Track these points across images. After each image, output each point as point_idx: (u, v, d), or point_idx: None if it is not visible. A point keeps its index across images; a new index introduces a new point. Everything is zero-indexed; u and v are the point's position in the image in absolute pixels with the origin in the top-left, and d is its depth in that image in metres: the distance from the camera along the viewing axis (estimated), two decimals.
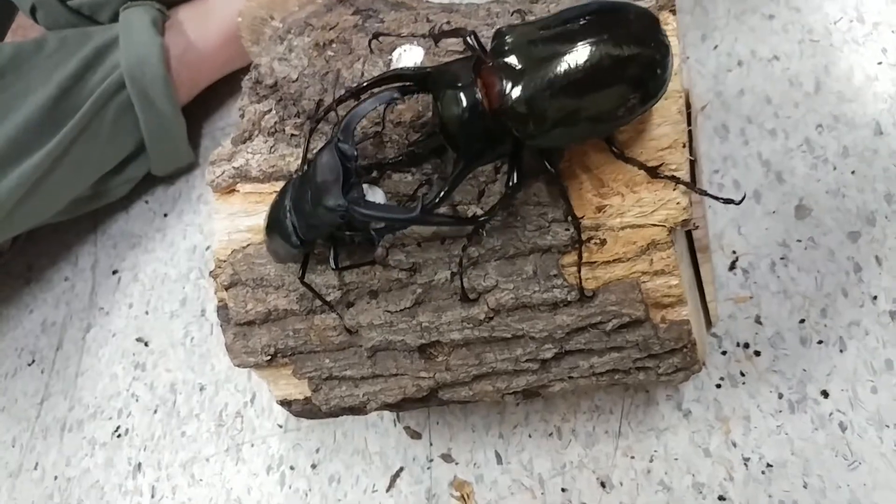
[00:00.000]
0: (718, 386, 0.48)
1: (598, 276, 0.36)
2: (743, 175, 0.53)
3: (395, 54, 0.39)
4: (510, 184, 0.33)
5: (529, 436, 0.51)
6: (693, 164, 0.39)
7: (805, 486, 0.44)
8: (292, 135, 0.40)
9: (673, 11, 0.36)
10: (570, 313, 0.36)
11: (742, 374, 0.48)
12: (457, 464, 0.52)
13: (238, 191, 0.42)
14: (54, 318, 0.74)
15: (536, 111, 0.31)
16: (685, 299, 0.36)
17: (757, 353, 0.48)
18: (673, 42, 0.33)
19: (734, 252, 0.51)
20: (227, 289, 0.42)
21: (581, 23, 0.32)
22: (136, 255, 0.73)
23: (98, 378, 0.68)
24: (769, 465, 0.45)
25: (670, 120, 0.34)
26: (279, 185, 0.40)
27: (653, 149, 0.34)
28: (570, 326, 0.37)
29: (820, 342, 0.47)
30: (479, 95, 0.32)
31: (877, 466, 0.43)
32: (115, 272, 0.73)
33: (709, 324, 0.47)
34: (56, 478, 0.65)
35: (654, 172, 0.33)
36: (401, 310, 0.38)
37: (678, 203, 0.34)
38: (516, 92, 0.31)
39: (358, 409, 0.43)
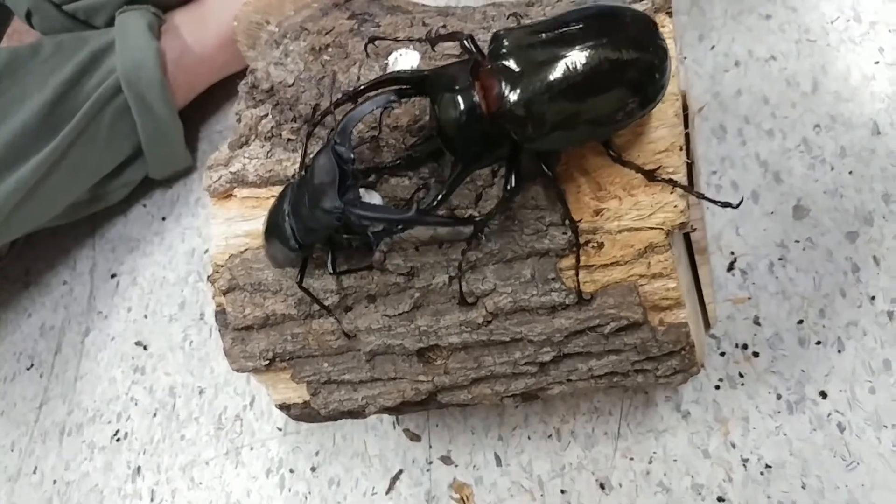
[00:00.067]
0: (717, 387, 0.48)
1: (596, 280, 0.36)
2: (741, 175, 0.53)
3: (392, 58, 0.38)
4: (508, 187, 0.33)
5: (529, 437, 0.51)
6: (691, 166, 0.39)
7: (803, 487, 0.44)
8: (289, 139, 0.40)
9: (669, 14, 0.36)
10: (569, 317, 0.36)
11: (741, 375, 0.48)
12: (456, 466, 0.52)
13: (235, 196, 0.42)
14: (53, 322, 0.74)
15: (535, 114, 0.31)
16: (683, 302, 0.36)
17: (755, 354, 0.48)
18: (669, 45, 0.33)
19: (732, 253, 0.51)
20: (224, 294, 0.42)
21: (580, 26, 0.32)
22: (135, 259, 0.73)
23: (97, 382, 0.68)
24: (768, 466, 0.45)
25: (667, 123, 0.34)
26: (276, 190, 0.40)
27: (650, 152, 0.34)
28: (568, 330, 0.37)
29: (818, 343, 0.47)
30: (476, 98, 0.32)
31: (875, 467, 0.43)
32: (113, 276, 0.73)
33: (707, 325, 0.47)
34: (55, 482, 0.65)
35: (651, 176, 0.33)
36: (399, 314, 0.38)
37: (675, 206, 0.34)
38: (515, 95, 0.31)
39: (357, 413, 0.43)
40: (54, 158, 0.64)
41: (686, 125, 0.37)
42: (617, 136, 0.35)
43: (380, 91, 0.34)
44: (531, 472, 0.50)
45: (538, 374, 0.39)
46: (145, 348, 0.68)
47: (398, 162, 0.37)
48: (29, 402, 0.70)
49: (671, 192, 0.34)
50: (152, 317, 0.69)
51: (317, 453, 0.57)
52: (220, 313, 0.43)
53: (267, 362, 0.42)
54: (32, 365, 0.72)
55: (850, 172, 0.50)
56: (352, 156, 0.34)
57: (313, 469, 0.56)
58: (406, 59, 0.38)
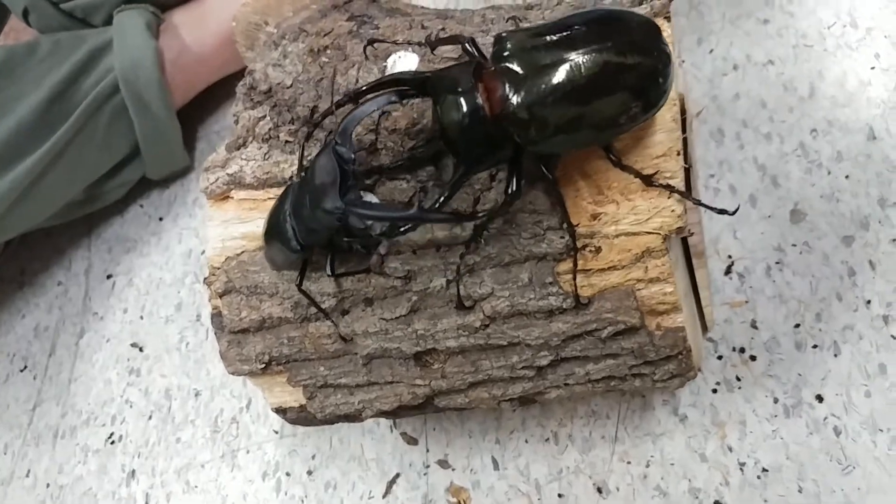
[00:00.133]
0: (714, 391, 0.48)
1: (594, 284, 0.36)
2: (738, 179, 0.53)
3: (390, 61, 0.38)
4: (509, 191, 0.33)
5: (526, 441, 0.51)
6: (688, 170, 0.39)
7: (800, 491, 0.44)
8: (286, 141, 0.40)
9: (668, 18, 0.36)
10: (566, 321, 0.36)
11: (738, 379, 0.48)
12: (453, 470, 0.52)
13: (232, 197, 0.42)
14: (47, 323, 0.73)
15: (538, 117, 0.31)
16: (680, 306, 0.36)
17: (752, 358, 0.48)
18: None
19: (730, 256, 0.51)
20: (221, 296, 0.42)
21: (583, 30, 0.32)
22: (131, 260, 0.72)
23: (92, 384, 0.68)
24: (764, 470, 0.45)
25: (665, 128, 0.34)
26: (273, 192, 0.40)
27: (647, 156, 0.34)
28: (565, 334, 0.37)
29: (815, 346, 0.47)
30: (480, 101, 0.31)
31: (870, 470, 0.43)
32: (109, 276, 0.73)
33: (704, 328, 0.47)
34: (48, 485, 0.64)
35: (648, 181, 0.33)
36: (396, 317, 0.38)
37: (673, 211, 0.34)
38: (518, 97, 0.31)
39: (353, 417, 0.43)
40: (50, 157, 0.64)
41: (684, 129, 0.37)
42: (616, 140, 0.35)
43: (380, 92, 0.34)
44: (528, 475, 0.50)
45: (535, 378, 0.39)
46: (141, 350, 0.67)
47: (400, 163, 0.37)
48: (22, 405, 0.70)
49: (668, 197, 0.34)
50: (148, 318, 0.68)
51: (313, 457, 0.56)
52: (217, 316, 0.43)
53: (263, 366, 0.42)
54: (26, 367, 0.72)
55: (847, 177, 0.51)
56: (352, 156, 0.34)
57: (310, 472, 0.56)
58: (404, 62, 0.38)
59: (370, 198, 0.36)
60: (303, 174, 0.38)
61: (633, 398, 0.50)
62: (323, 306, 0.39)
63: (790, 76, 0.55)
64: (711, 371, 0.49)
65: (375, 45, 0.39)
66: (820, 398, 0.46)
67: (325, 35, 0.41)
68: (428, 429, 0.54)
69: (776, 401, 0.47)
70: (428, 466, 0.53)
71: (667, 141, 0.34)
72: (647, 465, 0.48)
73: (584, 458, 0.49)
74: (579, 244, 0.35)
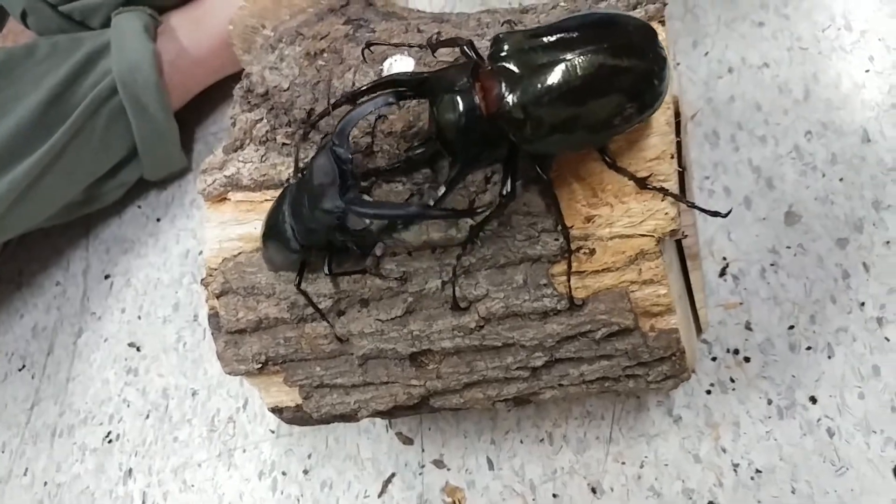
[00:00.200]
0: (708, 392, 0.48)
1: (588, 286, 0.36)
2: (733, 181, 0.54)
3: (386, 64, 0.39)
4: (504, 192, 0.34)
5: (521, 442, 0.51)
6: (683, 172, 0.39)
7: (793, 492, 0.44)
8: (283, 144, 0.40)
9: (662, 22, 0.37)
10: (560, 322, 0.37)
11: (732, 381, 0.48)
12: (448, 470, 0.52)
13: (229, 199, 0.42)
14: (45, 323, 0.73)
15: (533, 117, 0.32)
16: (674, 308, 0.36)
17: (747, 360, 0.49)
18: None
19: (724, 258, 0.52)
20: (218, 297, 0.42)
21: (580, 32, 0.32)
22: (129, 260, 0.73)
23: (89, 383, 0.68)
24: (758, 471, 0.45)
25: (659, 131, 0.35)
26: (270, 194, 0.40)
27: (641, 160, 0.35)
28: (560, 335, 0.37)
29: (809, 348, 0.47)
30: (476, 99, 0.32)
31: (864, 472, 0.43)
32: (107, 277, 0.73)
33: (699, 330, 0.48)
34: (46, 484, 0.65)
35: (642, 183, 0.34)
36: (392, 318, 0.38)
37: (666, 213, 0.34)
38: (514, 97, 0.32)
39: (349, 417, 0.43)
40: (49, 159, 0.64)
41: (678, 133, 0.37)
42: (610, 142, 0.35)
43: (377, 94, 0.34)
44: (523, 476, 0.50)
45: (530, 378, 0.39)
46: (138, 350, 0.67)
47: (394, 167, 0.37)
48: (20, 404, 0.70)
49: (662, 200, 0.34)
50: (146, 318, 0.69)
51: (309, 456, 0.57)
52: (213, 316, 0.43)
53: (259, 366, 0.42)
54: (24, 366, 0.72)
55: (841, 179, 0.51)
56: (350, 156, 0.34)
57: (306, 472, 0.56)
58: (400, 65, 0.39)
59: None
60: (299, 175, 0.38)
61: (627, 399, 0.50)
62: (319, 307, 0.39)
63: (785, 79, 0.55)
64: (706, 372, 0.49)
65: (372, 48, 0.40)
66: (814, 400, 0.46)
67: (321, 38, 0.41)
68: (423, 429, 0.54)
69: (770, 402, 0.47)
70: (423, 466, 0.53)
71: (661, 144, 0.35)
72: (642, 466, 0.48)
73: (579, 459, 0.49)
74: (573, 246, 0.35)
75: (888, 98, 0.52)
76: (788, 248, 0.50)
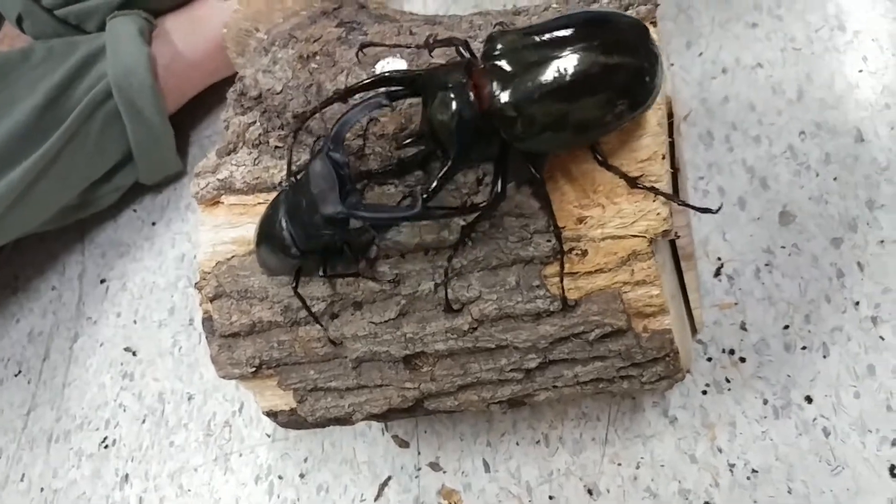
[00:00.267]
0: (704, 392, 0.48)
1: (580, 287, 0.36)
2: (727, 182, 0.54)
3: (379, 66, 0.39)
4: (495, 192, 0.34)
5: (517, 444, 0.51)
6: (676, 173, 0.39)
7: (789, 492, 0.44)
8: (276, 147, 0.40)
9: (653, 23, 0.37)
10: (553, 323, 0.37)
11: (727, 381, 0.48)
12: (445, 472, 0.52)
13: (223, 203, 0.42)
14: (41, 328, 0.73)
15: (525, 113, 0.32)
16: (667, 309, 0.36)
17: (742, 360, 0.48)
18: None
19: (719, 258, 0.52)
20: (211, 300, 0.42)
21: (572, 30, 0.32)
22: (124, 264, 0.73)
23: (85, 388, 0.68)
24: (754, 471, 0.45)
25: (650, 132, 0.35)
26: (263, 197, 0.40)
27: (633, 160, 0.35)
28: (553, 336, 0.37)
29: (804, 348, 0.47)
30: (469, 96, 0.32)
31: (860, 471, 0.43)
32: (102, 281, 0.73)
33: (694, 330, 0.48)
34: (42, 489, 0.65)
35: (633, 182, 0.34)
36: (385, 321, 0.38)
37: (658, 214, 0.34)
38: (506, 94, 0.32)
39: (344, 420, 0.43)
40: (44, 163, 0.64)
41: (671, 133, 0.37)
42: (603, 143, 0.35)
43: (370, 95, 0.34)
44: (519, 478, 0.50)
45: (524, 380, 0.39)
46: (134, 354, 0.67)
47: (387, 169, 0.37)
48: (16, 409, 0.70)
49: (654, 200, 0.34)
50: (142, 322, 0.68)
51: (305, 460, 0.56)
52: (207, 320, 0.43)
53: (253, 369, 0.42)
54: (20, 371, 0.72)
55: (835, 179, 0.51)
56: (346, 160, 0.34)
57: (302, 476, 0.56)
58: (393, 67, 0.39)
59: None
60: (293, 180, 0.38)
61: (623, 400, 0.50)
62: (313, 310, 0.39)
63: (779, 79, 0.55)
64: (701, 373, 0.49)
65: (365, 50, 0.40)
66: (809, 399, 0.46)
67: (314, 41, 0.41)
68: (419, 432, 0.54)
69: (765, 402, 0.47)
70: (419, 469, 0.53)
71: (653, 145, 0.35)
72: (638, 467, 0.48)
73: (575, 460, 0.49)
74: (566, 247, 0.35)
75: (881, 98, 0.52)
76: (783, 247, 0.50)
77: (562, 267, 0.35)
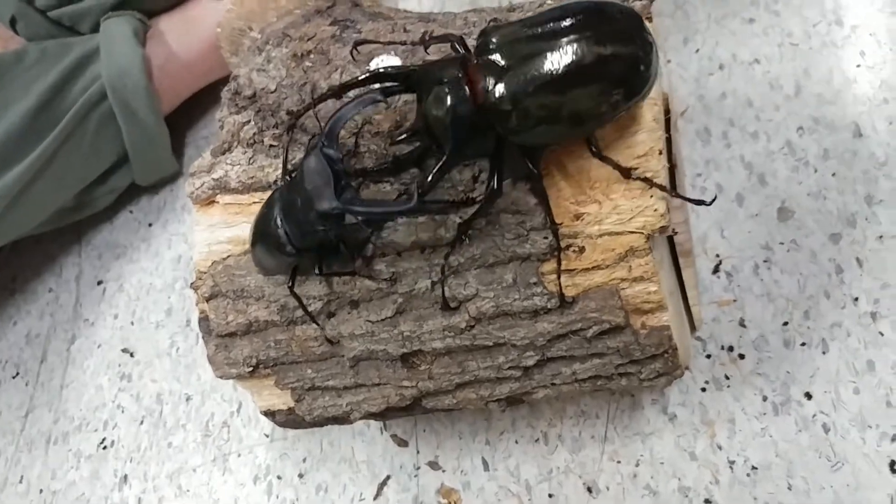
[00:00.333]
0: (703, 389, 0.48)
1: (578, 284, 0.36)
2: (725, 178, 0.53)
3: (373, 64, 0.39)
4: (491, 188, 0.33)
5: (516, 442, 0.51)
6: (673, 169, 0.39)
7: (790, 488, 0.44)
8: (271, 146, 0.40)
9: (649, 19, 0.36)
10: (551, 320, 0.36)
11: (727, 378, 0.48)
12: (444, 471, 0.52)
13: (218, 202, 0.42)
14: (38, 330, 0.73)
15: (520, 106, 0.32)
16: (665, 305, 0.36)
17: (741, 356, 0.48)
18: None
19: (717, 255, 0.51)
20: (207, 300, 0.42)
21: (565, 21, 0.32)
22: (121, 266, 0.72)
23: (83, 390, 0.68)
24: (754, 468, 0.45)
25: (646, 127, 0.34)
26: (258, 196, 0.40)
27: (629, 156, 0.34)
28: (551, 333, 0.37)
29: (803, 344, 0.47)
30: (464, 91, 0.32)
31: (860, 467, 0.43)
32: (99, 283, 0.73)
33: (693, 327, 0.47)
34: (41, 491, 0.64)
35: (627, 173, 0.33)
36: (382, 319, 0.38)
37: (656, 210, 0.34)
38: (500, 88, 0.32)
39: (342, 419, 0.43)
40: (39, 165, 0.64)
41: (667, 129, 0.37)
42: (598, 140, 0.35)
43: (364, 91, 0.34)
44: (518, 476, 0.50)
45: (522, 378, 0.39)
46: (132, 355, 0.67)
47: (382, 167, 0.37)
48: (14, 411, 0.70)
49: (651, 196, 0.34)
50: (139, 323, 0.68)
51: (304, 460, 0.56)
52: (204, 320, 0.43)
53: (250, 369, 0.42)
54: (18, 373, 0.72)
55: (833, 175, 0.51)
56: (341, 156, 0.34)
57: (301, 475, 0.56)
58: (387, 65, 0.39)
59: None
60: (287, 178, 0.38)
61: (622, 398, 0.50)
62: (309, 309, 0.39)
63: (776, 75, 0.55)
64: (700, 370, 0.49)
65: (359, 48, 0.40)
66: (808, 396, 0.46)
67: (308, 40, 0.41)
68: (418, 431, 0.54)
69: (765, 399, 0.47)
70: (418, 468, 0.53)
71: (649, 140, 0.35)
72: (637, 465, 0.48)
73: (574, 458, 0.49)
74: (563, 244, 0.35)
75: (879, 93, 0.52)
76: (781, 244, 0.50)
77: (559, 264, 0.35)
